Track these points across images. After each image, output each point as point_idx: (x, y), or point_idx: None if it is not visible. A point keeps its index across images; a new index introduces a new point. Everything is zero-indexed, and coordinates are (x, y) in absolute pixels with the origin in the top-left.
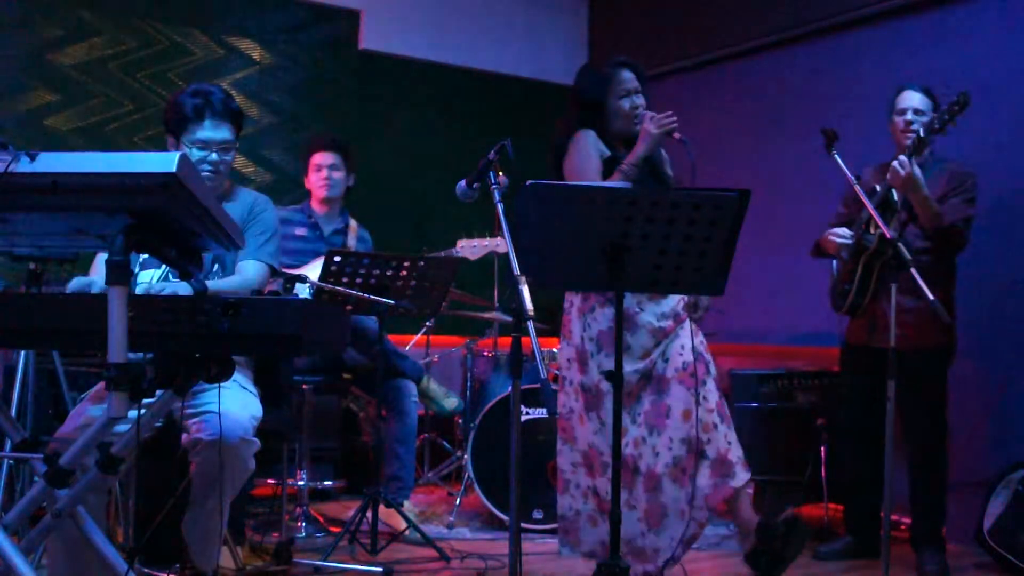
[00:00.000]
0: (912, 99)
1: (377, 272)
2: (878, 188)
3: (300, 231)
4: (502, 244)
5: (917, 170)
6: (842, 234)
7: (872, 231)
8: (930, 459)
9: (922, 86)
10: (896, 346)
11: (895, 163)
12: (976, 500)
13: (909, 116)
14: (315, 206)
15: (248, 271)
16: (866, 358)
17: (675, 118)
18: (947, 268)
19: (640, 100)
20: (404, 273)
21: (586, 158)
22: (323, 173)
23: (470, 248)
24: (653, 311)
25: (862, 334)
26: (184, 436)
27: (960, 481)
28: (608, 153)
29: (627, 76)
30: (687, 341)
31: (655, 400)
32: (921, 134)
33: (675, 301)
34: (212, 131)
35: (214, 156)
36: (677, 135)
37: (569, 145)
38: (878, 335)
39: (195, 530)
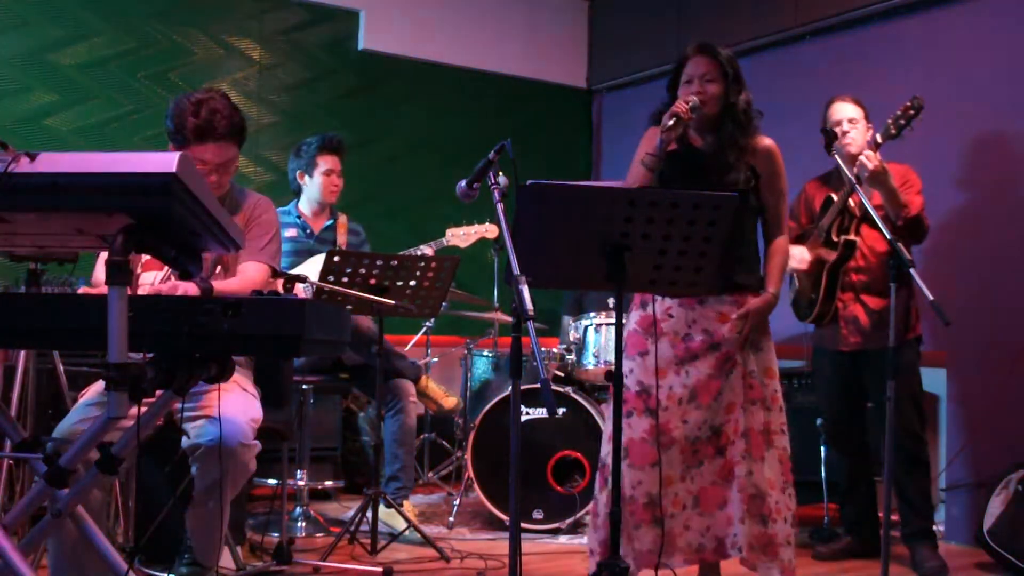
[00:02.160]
0: (844, 110)
1: (377, 272)
2: (835, 197)
3: (290, 232)
4: (492, 229)
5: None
6: (800, 257)
7: (836, 237)
8: (913, 454)
9: (852, 96)
10: (866, 347)
11: (862, 158)
12: (976, 500)
13: (845, 127)
14: (305, 207)
15: (250, 273)
16: (840, 362)
17: (682, 103)
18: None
19: (703, 87)
20: (404, 273)
21: (637, 156)
22: (332, 178)
23: (459, 236)
24: (683, 318)
25: (835, 339)
26: (183, 439)
27: (960, 481)
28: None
29: (692, 62)
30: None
31: (643, 439)
32: (879, 139)
33: (714, 310)
34: (215, 153)
35: (214, 177)
36: (671, 121)
37: None
38: (852, 338)
39: (197, 528)
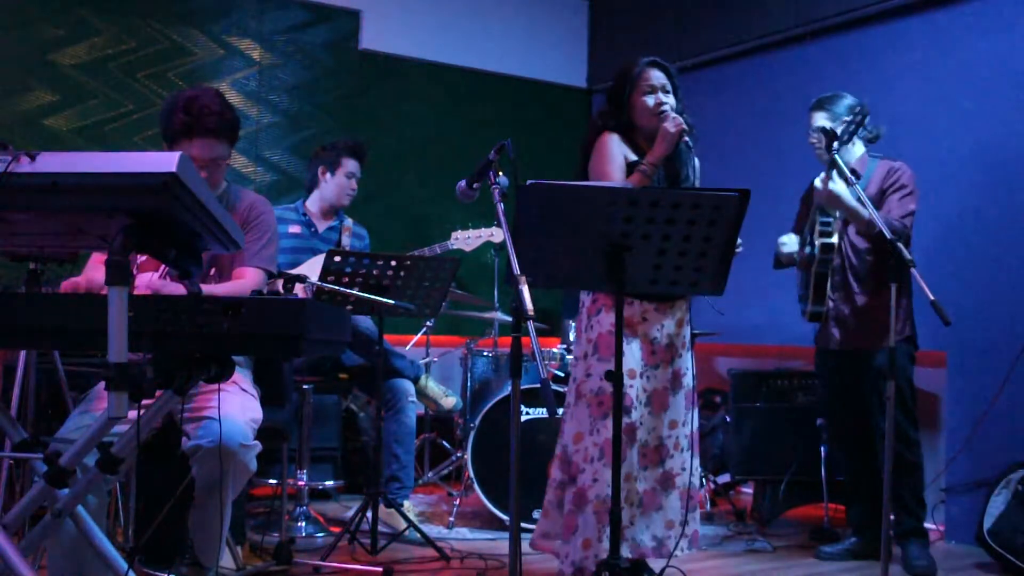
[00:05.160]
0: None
1: (377, 272)
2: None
3: (294, 228)
4: (497, 234)
5: (840, 186)
6: (784, 242)
7: (817, 240)
8: (902, 455)
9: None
10: (855, 345)
11: (816, 182)
12: (976, 500)
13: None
14: (314, 205)
15: (245, 277)
16: (836, 362)
17: (678, 117)
18: (894, 266)
19: (667, 98)
20: (404, 273)
21: (609, 160)
22: (352, 182)
23: (464, 240)
24: (657, 323)
25: (828, 339)
26: (184, 440)
27: (960, 481)
28: (633, 157)
29: (654, 74)
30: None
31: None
32: (834, 151)
33: (672, 317)
34: (201, 149)
35: (203, 174)
36: (686, 138)
37: (594, 147)
38: (839, 337)
39: (197, 528)
